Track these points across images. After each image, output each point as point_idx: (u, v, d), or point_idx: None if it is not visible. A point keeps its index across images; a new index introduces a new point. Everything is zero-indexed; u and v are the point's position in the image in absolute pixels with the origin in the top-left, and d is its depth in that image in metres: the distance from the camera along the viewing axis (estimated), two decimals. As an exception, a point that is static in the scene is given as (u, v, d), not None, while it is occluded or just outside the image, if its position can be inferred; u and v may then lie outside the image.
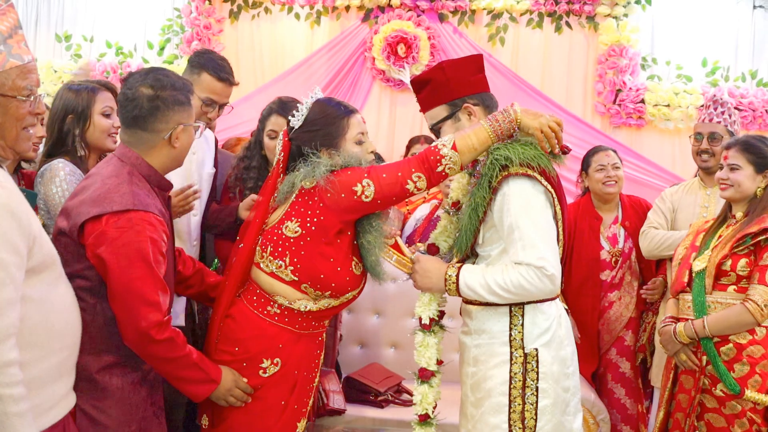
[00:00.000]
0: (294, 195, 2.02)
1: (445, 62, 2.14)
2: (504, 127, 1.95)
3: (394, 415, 2.97)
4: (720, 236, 2.61)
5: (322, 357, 2.23)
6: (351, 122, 2.08)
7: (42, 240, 1.59)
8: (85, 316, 1.79)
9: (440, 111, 2.10)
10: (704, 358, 2.52)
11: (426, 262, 2.10)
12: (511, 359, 1.97)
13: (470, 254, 2.08)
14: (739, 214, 2.60)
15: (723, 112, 3.20)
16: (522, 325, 1.98)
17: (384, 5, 4.74)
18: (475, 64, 2.14)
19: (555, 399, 1.98)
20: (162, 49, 4.97)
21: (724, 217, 2.68)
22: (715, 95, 3.44)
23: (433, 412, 2.17)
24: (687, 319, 2.57)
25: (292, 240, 1.99)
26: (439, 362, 2.19)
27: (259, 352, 2.03)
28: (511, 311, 1.99)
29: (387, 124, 4.84)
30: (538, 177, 1.93)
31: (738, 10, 4.71)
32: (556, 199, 1.98)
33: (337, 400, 2.89)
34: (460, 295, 2.02)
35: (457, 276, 1.99)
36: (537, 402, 1.95)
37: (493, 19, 4.76)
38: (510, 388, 1.96)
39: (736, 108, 4.08)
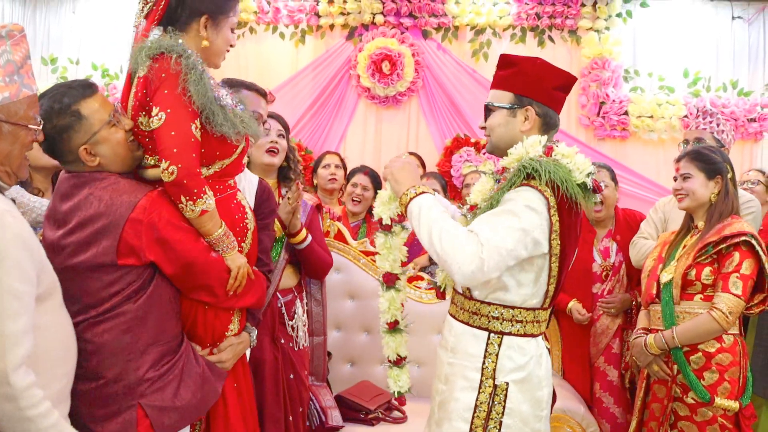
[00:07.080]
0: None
1: (541, 60, 2.03)
2: None
3: (385, 432, 2.97)
4: (684, 246, 2.65)
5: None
6: (237, 8, 1.99)
7: (47, 267, 1.60)
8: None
9: (504, 97, 2.01)
10: (675, 367, 2.57)
11: (413, 164, 2.05)
12: (480, 387, 1.90)
13: None
14: (700, 224, 2.64)
15: (711, 122, 3.24)
16: (497, 355, 1.90)
17: (368, 23, 4.78)
18: (564, 81, 2.03)
19: None
20: (148, 70, 4.98)
21: (688, 227, 2.72)
22: (704, 107, 3.48)
23: (401, 317, 2.18)
24: (657, 330, 2.61)
25: None
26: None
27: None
28: (488, 339, 1.92)
29: (373, 140, 4.87)
30: (552, 203, 1.83)
31: (717, 21, 4.78)
32: (557, 234, 1.85)
33: (335, 417, 2.89)
34: (404, 211, 1.94)
35: (419, 194, 1.91)
36: None
37: (477, 35, 4.81)
38: (473, 417, 1.89)
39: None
